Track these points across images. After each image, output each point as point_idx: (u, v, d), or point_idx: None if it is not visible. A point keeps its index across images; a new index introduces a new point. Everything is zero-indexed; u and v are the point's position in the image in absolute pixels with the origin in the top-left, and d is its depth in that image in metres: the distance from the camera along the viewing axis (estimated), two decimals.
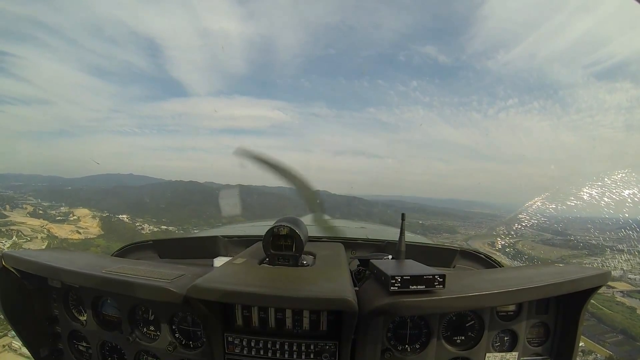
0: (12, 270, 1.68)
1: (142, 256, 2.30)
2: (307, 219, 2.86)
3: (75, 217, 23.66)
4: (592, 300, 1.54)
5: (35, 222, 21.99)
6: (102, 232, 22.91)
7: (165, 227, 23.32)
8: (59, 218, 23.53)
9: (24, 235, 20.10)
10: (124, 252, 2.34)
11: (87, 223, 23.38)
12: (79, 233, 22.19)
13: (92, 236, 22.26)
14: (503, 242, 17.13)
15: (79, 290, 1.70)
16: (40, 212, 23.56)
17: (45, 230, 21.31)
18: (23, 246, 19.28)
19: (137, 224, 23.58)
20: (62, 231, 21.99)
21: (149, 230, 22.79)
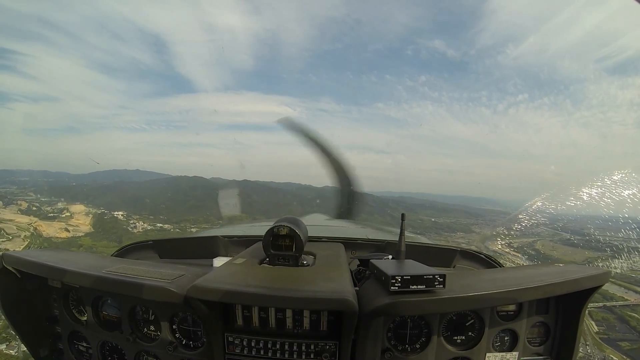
0: (12, 270, 1.68)
1: (142, 256, 2.30)
2: (307, 219, 2.86)
3: (68, 214, 23.24)
4: (635, 315, 1.53)
5: (24, 220, 21.54)
6: (92, 230, 22.41)
7: (160, 224, 22.78)
8: (50, 215, 23.12)
9: (6, 234, 19.63)
10: (124, 252, 2.34)
11: (79, 220, 23.00)
12: (67, 231, 21.77)
13: (79, 234, 21.73)
14: (520, 242, 16.59)
15: (79, 290, 1.70)
16: (34, 208, 23.17)
17: (31, 228, 20.86)
18: (0, 246, 18.77)
19: (132, 221, 23.03)
20: (51, 229, 21.58)
21: (142, 228, 22.19)
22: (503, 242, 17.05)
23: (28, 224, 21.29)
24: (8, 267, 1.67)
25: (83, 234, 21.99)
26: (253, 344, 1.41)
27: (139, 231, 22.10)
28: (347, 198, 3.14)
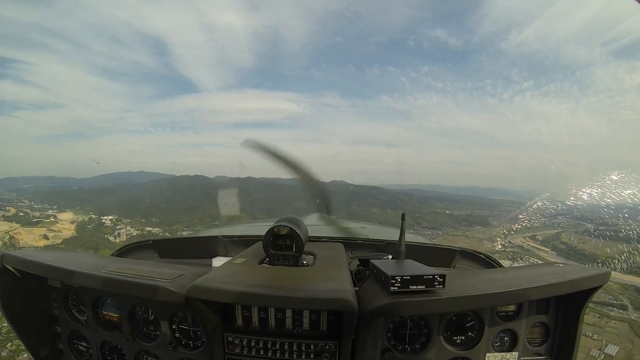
0: (12, 270, 1.68)
1: (142, 256, 2.31)
2: (307, 219, 2.87)
3: (53, 220, 22.74)
4: None
5: (3, 227, 20.93)
6: (75, 236, 21.89)
7: (150, 228, 21.98)
8: (34, 221, 22.59)
9: None
10: (124, 252, 2.34)
11: (63, 226, 22.51)
12: (47, 238, 21.18)
13: (57, 241, 20.92)
14: (543, 235, 15.33)
15: (79, 290, 1.70)
16: (22, 214, 22.76)
17: (6, 237, 20.21)
18: None
19: (119, 226, 22.21)
20: (30, 236, 20.97)
21: (127, 235, 21.22)
22: (526, 236, 16.11)
23: (5, 232, 20.61)
24: (8, 267, 1.67)
25: (60, 241, 21.11)
26: (253, 344, 1.41)
27: (121, 240, 20.78)
28: (320, 208, 3.17)
